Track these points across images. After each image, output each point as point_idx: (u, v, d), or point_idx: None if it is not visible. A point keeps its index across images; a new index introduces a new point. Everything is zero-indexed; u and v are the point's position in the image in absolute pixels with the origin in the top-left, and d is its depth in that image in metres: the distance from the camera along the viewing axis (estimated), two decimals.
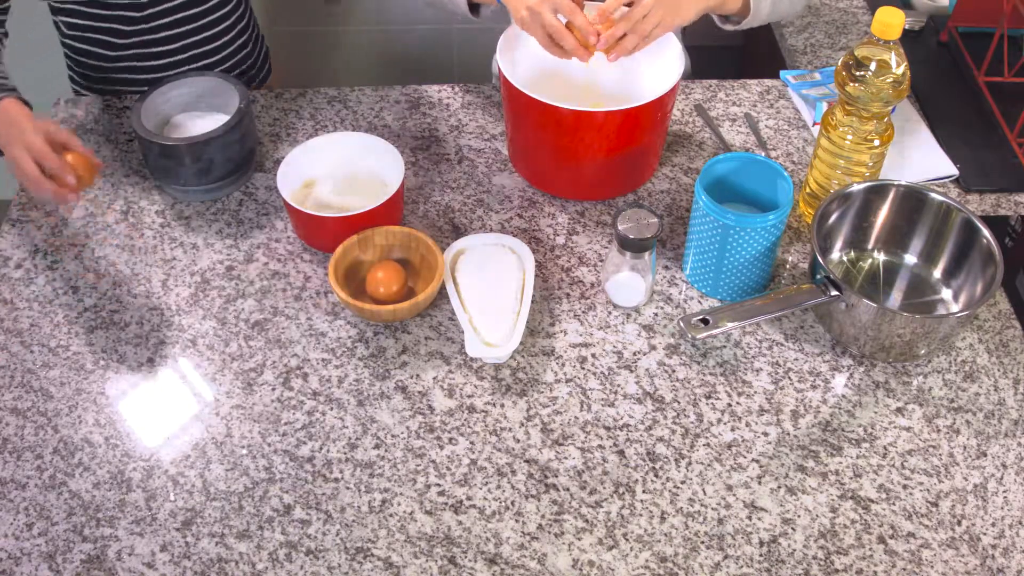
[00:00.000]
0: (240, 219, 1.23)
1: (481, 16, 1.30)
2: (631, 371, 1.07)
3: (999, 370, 1.08)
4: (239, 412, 1.03)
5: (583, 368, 1.07)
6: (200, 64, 1.40)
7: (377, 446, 1.01)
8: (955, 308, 1.11)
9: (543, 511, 0.96)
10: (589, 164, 1.20)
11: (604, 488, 0.98)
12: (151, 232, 1.21)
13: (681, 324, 1.04)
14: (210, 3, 1.36)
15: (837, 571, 0.92)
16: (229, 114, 1.23)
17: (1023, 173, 1.29)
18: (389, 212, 1.15)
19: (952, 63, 1.47)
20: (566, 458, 1.00)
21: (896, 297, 1.13)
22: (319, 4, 2.20)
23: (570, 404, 1.04)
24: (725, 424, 1.02)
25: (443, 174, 1.28)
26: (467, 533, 0.94)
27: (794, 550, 0.93)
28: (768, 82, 1.43)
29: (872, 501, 0.97)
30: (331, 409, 1.04)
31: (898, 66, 1.06)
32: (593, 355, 1.08)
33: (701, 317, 1.03)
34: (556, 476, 0.98)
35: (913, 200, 1.13)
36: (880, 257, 1.17)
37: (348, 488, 0.97)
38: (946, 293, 1.13)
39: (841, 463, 1.00)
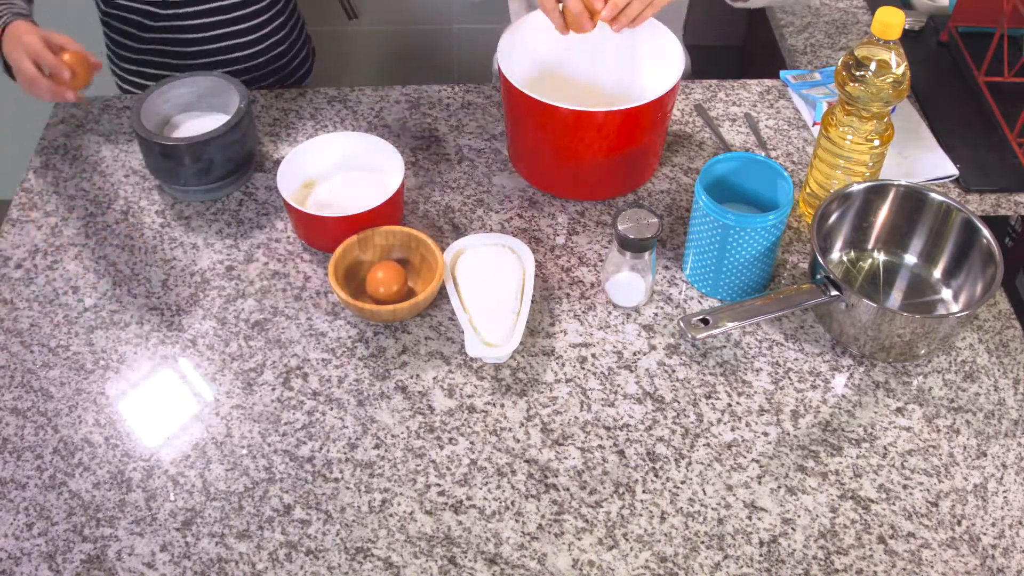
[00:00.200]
0: (240, 219, 1.23)
1: None
2: (631, 371, 1.07)
3: (999, 370, 1.08)
4: (239, 412, 1.03)
5: (583, 368, 1.07)
6: (232, 56, 1.42)
7: (377, 446, 1.01)
8: (955, 308, 1.11)
9: (543, 511, 0.96)
10: (589, 164, 1.20)
11: (604, 488, 0.98)
12: (151, 232, 1.21)
13: (681, 324, 1.04)
14: None
15: (837, 571, 0.92)
16: (229, 114, 1.23)
17: (1023, 173, 1.29)
18: (389, 212, 1.15)
19: (952, 63, 1.47)
20: (566, 458, 1.00)
21: (896, 297, 1.13)
22: (319, 4, 2.20)
23: (570, 404, 1.04)
24: (725, 424, 1.02)
25: (443, 174, 1.28)
26: (467, 533, 0.94)
27: (794, 550, 0.93)
28: (768, 82, 1.43)
29: (872, 501, 0.97)
30: (331, 409, 1.04)
31: (898, 66, 1.06)
32: (593, 355, 1.08)
33: (701, 317, 1.03)
34: (556, 476, 0.98)
35: (913, 200, 1.13)
36: (880, 257, 1.17)
37: (348, 488, 0.97)
38: (946, 293, 1.13)
39: (841, 463, 1.00)
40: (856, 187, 1.12)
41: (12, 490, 0.97)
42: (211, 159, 1.19)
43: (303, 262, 1.18)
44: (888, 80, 1.06)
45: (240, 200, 1.25)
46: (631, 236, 1.05)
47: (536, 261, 1.18)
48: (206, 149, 1.18)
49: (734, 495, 0.97)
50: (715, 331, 1.03)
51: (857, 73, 1.07)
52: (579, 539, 0.94)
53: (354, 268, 1.13)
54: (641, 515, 0.96)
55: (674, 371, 1.07)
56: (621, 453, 1.00)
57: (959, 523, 0.96)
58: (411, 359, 1.08)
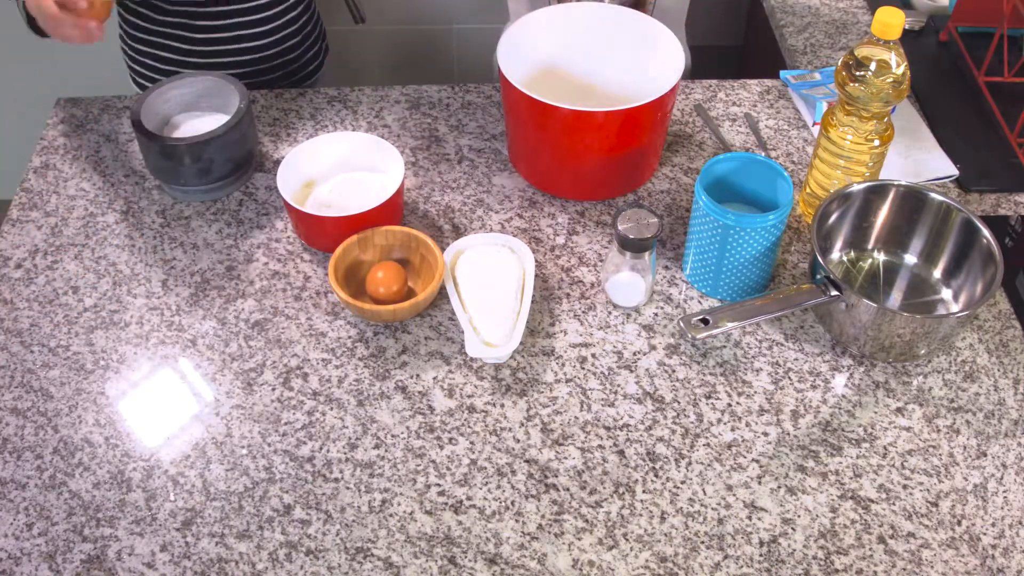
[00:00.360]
0: (240, 219, 1.23)
1: None
2: (631, 371, 1.07)
3: (999, 370, 1.08)
4: (239, 412, 1.03)
5: (583, 368, 1.07)
6: (246, 45, 1.43)
7: (377, 446, 1.01)
8: (955, 308, 1.11)
9: (543, 511, 0.96)
10: (589, 164, 1.20)
11: (604, 488, 0.98)
12: (151, 232, 1.21)
13: (681, 324, 1.04)
14: None
15: (837, 571, 0.92)
16: (229, 114, 1.23)
17: (1023, 173, 1.29)
18: (389, 212, 1.15)
19: (952, 63, 1.47)
20: (566, 458, 1.00)
21: (896, 297, 1.13)
22: (322, 4, 2.20)
23: (570, 404, 1.04)
24: (725, 424, 1.02)
25: (443, 174, 1.28)
26: (467, 533, 0.94)
27: (794, 550, 0.93)
28: (768, 82, 1.43)
29: (872, 501, 0.97)
30: (331, 409, 1.04)
31: (898, 66, 1.06)
32: (593, 355, 1.08)
33: (701, 317, 1.03)
34: (556, 476, 0.98)
35: (913, 200, 1.13)
36: (880, 257, 1.17)
37: (348, 488, 0.97)
38: (946, 293, 1.13)
39: (841, 463, 1.00)
40: (856, 187, 1.12)
41: (12, 490, 0.97)
42: (211, 159, 1.19)
43: (303, 262, 1.18)
44: (888, 80, 1.06)
45: (240, 200, 1.25)
46: (631, 236, 1.05)
47: (536, 261, 1.18)
48: (206, 149, 1.18)
49: (734, 495, 0.97)
50: (715, 331, 1.03)
51: (857, 73, 1.07)
52: (579, 539, 0.94)
53: (354, 268, 1.13)
54: (641, 515, 0.96)
55: (674, 371, 1.07)
56: (621, 453, 1.00)
57: (959, 523, 0.96)
58: (411, 359, 1.08)
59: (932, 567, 0.93)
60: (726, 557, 0.93)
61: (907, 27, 1.52)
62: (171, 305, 1.13)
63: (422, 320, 1.11)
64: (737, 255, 1.08)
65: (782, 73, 1.43)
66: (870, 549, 0.94)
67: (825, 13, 1.59)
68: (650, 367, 1.07)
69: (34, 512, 0.96)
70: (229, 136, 1.19)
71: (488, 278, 1.12)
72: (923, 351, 1.06)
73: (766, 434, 1.02)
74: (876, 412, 1.04)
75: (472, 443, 1.01)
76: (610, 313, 1.12)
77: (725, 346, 1.09)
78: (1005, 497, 0.98)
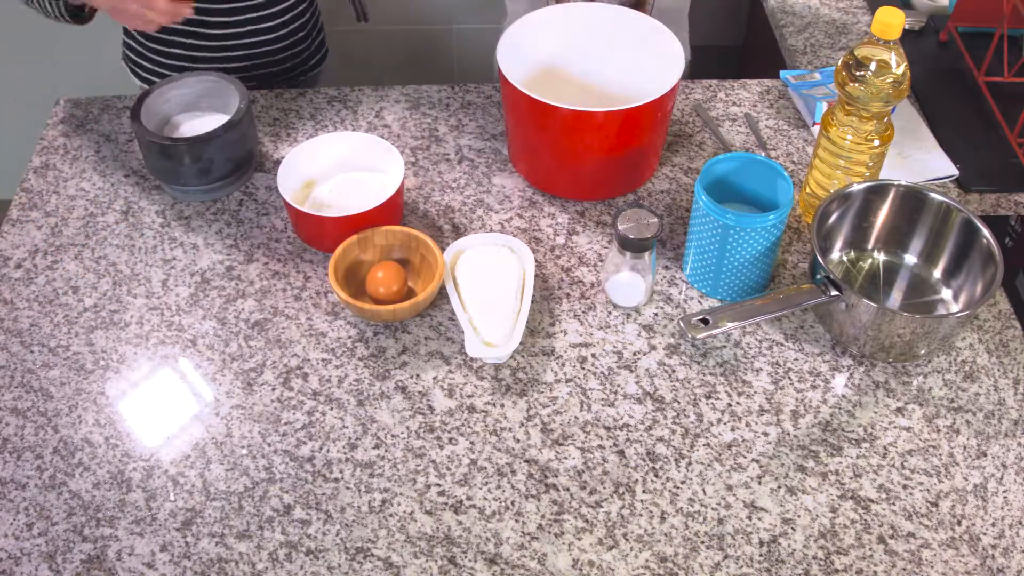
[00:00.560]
0: (240, 219, 1.23)
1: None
2: (631, 371, 1.07)
3: (999, 370, 1.08)
4: (239, 412, 1.03)
5: (583, 368, 1.07)
6: (255, 39, 1.43)
7: (377, 446, 1.01)
8: (955, 308, 1.11)
9: (543, 511, 0.96)
10: (589, 164, 1.20)
11: (604, 488, 0.98)
12: (151, 232, 1.21)
13: (681, 324, 1.04)
14: None
15: (837, 571, 0.92)
16: (229, 114, 1.23)
17: (1023, 173, 1.29)
18: (389, 212, 1.15)
19: (952, 63, 1.47)
20: (566, 458, 1.00)
21: (896, 297, 1.13)
22: (323, 3, 2.20)
23: (570, 404, 1.04)
24: (725, 424, 1.02)
25: (443, 174, 1.28)
26: (467, 533, 0.94)
27: (794, 550, 0.93)
28: (768, 82, 1.43)
29: (872, 501, 0.97)
30: (331, 409, 1.04)
31: (898, 66, 1.06)
32: (593, 355, 1.08)
33: (701, 317, 1.03)
34: (556, 476, 0.98)
35: (913, 200, 1.13)
36: (880, 257, 1.17)
37: (348, 488, 0.97)
38: (946, 293, 1.13)
39: (841, 463, 1.00)
40: (856, 187, 1.12)
41: (12, 490, 0.97)
42: (211, 159, 1.19)
43: (303, 262, 1.18)
44: (888, 80, 1.06)
45: (240, 200, 1.25)
46: (631, 236, 1.05)
47: (536, 261, 1.18)
48: (206, 149, 1.18)
49: (734, 495, 0.97)
50: (715, 331, 1.03)
51: (857, 73, 1.07)
52: (579, 539, 0.94)
53: (354, 268, 1.13)
54: (641, 515, 0.96)
55: (674, 371, 1.07)
56: (621, 453, 1.00)
57: (959, 523, 0.96)
58: (411, 359, 1.08)
59: (932, 567, 0.93)
60: (726, 557, 0.93)
61: (907, 27, 1.52)
62: (171, 305, 1.13)
63: (422, 320, 1.11)
64: (737, 255, 1.08)
65: (782, 73, 1.43)
66: (870, 549, 0.94)
67: (825, 13, 1.59)
68: (650, 367, 1.07)
69: (34, 512, 0.96)
70: (229, 136, 1.19)
71: (488, 278, 1.12)
72: (923, 351, 1.06)
73: (766, 434, 1.02)
74: (876, 412, 1.04)
75: (472, 443, 1.01)
76: (610, 313, 1.12)
77: (725, 346, 1.09)
78: (1005, 497, 0.98)
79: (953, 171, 1.28)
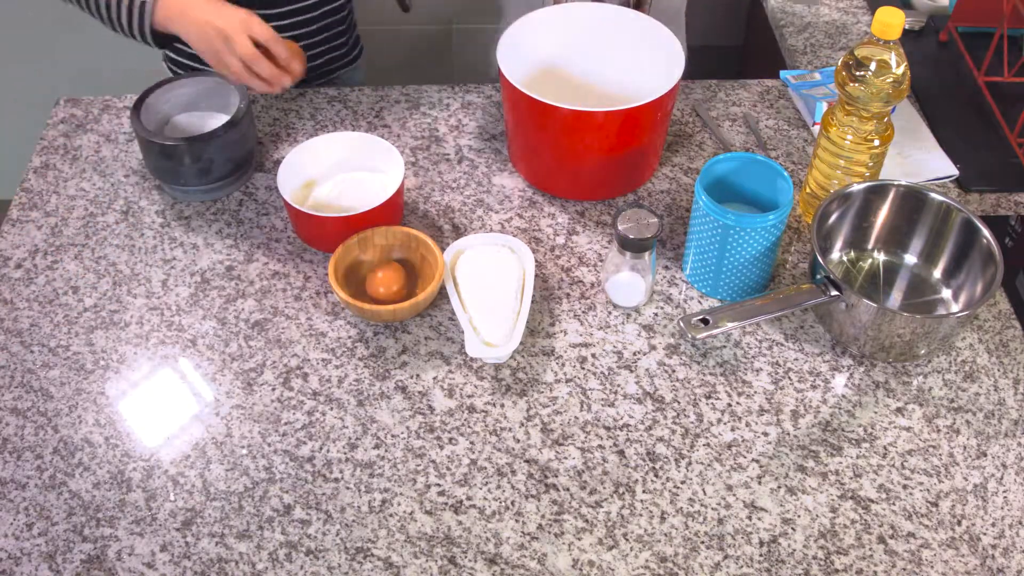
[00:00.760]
0: (240, 219, 1.23)
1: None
2: (631, 371, 1.07)
3: (999, 370, 1.08)
4: (239, 412, 1.03)
5: (583, 368, 1.07)
6: (302, 31, 1.42)
7: (377, 446, 1.01)
8: (955, 308, 1.11)
9: (543, 511, 0.96)
10: (589, 164, 1.20)
11: (604, 488, 0.98)
12: (151, 232, 1.21)
13: (681, 324, 1.04)
14: None
15: (837, 571, 0.92)
16: (229, 114, 1.23)
17: (1023, 173, 1.29)
18: (389, 212, 1.15)
19: (952, 63, 1.47)
20: (566, 458, 1.00)
21: (896, 297, 1.13)
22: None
23: (570, 404, 1.04)
24: (725, 424, 1.02)
25: (443, 174, 1.28)
26: (467, 533, 0.94)
27: (794, 550, 0.93)
28: (768, 82, 1.43)
29: (872, 501, 0.97)
30: (331, 409, 1.04)
31: (898, 66, 1.06)
32: (593, 355, 1.08)
33: (701, 317, 1.03)
34: (556, 476, 0.98)
35: (913, 200, 1.13)
36: (880, 257, 1.17)
37: (348, 488, 0.97)
38: (946, 293, 1.13)
39: (841, 463, 1.00)
40: (856, 187, 1.12)
41: (12, 490, 0.97)
42: (211, 159, 1.19)
43: (303, 262, 1.18)
44: (888, 80, 1.06)
45: (240, 200, 1.25)
46: (631, 236, 1.05)
47: (536, 261, 1.18)
48: (206, 149, 1.18)
49: (734, 495, 0.97)
50: (715, 331, 1.03)
51: (857, 73, 1.07)
52: (579, 539, 0.94)
53: (354, 268, 1.13)
54: (641, 515, 0.96)
55: (674, 371, 1.07)
56: (621, 453, 1.00)
57: (959, 523, 0.96)
58: (411, 359, 1.08)
59: (932, 567, 0.93)
60: (726, 557, 0.93)
61: (907, 27, 1.52)
62: (171, 305, 1.13)
63: (422, 320, 1.11)
64: (737, 255, 1.08)
65: (782, 73, 1.43)
66: (870, 549, 0.94)
67: (825, 13, 1.59)
68: (650, 367, 1.07)
69: (34, 512, 0.96)
70: (229, 136, 1.19)
71: (488, 278, 1.12)
72: (923, 351, 1.06)
73: (766, 434, 1.02)
74: (876, 412, 1.04)
75: (472, 443, 1.01)
76: (610, 313, 1.12)
77: (725, 346, 1.09)
78: (1005, 497, 0.98)
79: (953, 171, 1.28)
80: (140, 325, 1.11)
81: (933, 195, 1.11)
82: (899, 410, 1.04)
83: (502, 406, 1.04)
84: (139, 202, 1.25)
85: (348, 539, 0.94)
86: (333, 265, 1.09)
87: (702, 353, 1.09)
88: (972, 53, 1.44)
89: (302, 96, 1.39)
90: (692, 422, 1.03)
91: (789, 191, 1.08)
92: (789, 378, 1.06)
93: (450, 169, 1.29)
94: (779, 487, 0.98)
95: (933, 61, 1.48)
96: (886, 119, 1.12)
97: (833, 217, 1.13)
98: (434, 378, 1.06)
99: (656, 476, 0.98)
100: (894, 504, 0.97)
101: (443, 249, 1.17)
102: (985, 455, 1.01)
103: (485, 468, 0.99)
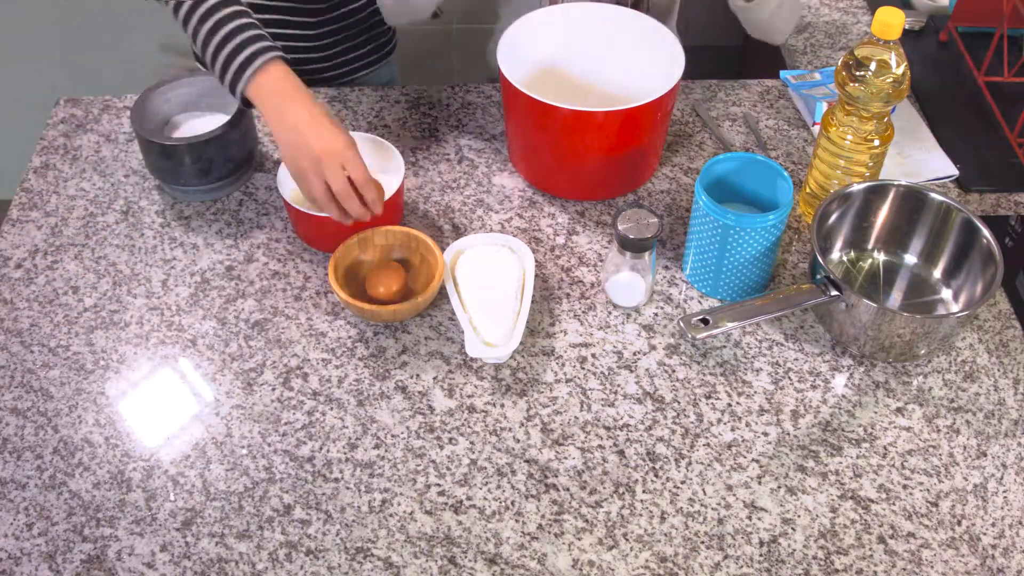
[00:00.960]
0: (240, 219, 1.23)
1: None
2: (631, 371, 1.07)
3: (999, 370, 1.08)
4: (239, 412, 1.03)
5: (583, 368, 1.07)
6: (343, 35, 1.44)
7: (377, 446, 1.01)
8: (955, 308, 1.11)
9: (543, 511, 0.96)
10: (589, 164, 1.20)
11: (604, 488, 0.98)
12: (151, 232, 1.21)
13: (681, 324, 1.04)
14: None
15: (837, 571, 0.92)
16: (229, 114, 1.23)
17: (1023, 173, 1.29)
18: (389, 212, 1.15)
19: (952, 63, 1.47)
20: (566, 458, 1.00)
21: (896, 297, 1.13)
22: None
23: (570, 404, 1.04)
24: (725, 424, 1.02)
25: (443, 174, 1.28)
26: (467, 533, 0.94)
27: (794, 550, 0.93)
28: (768, 82, 1.43)
29: (872, 501, 0.97)
30: (331, 409, 1.04)
31: (898, 66, 1.06)
32: (593, 355, 1.08)
33: (701, 317, 1.03)
34: (556, 476, 0.98)
35: (913, 200, 1.13)
36: (880, 257, 1.17)
37: (348, 488, 0.97)
38: (946, 293, 1.13)
39: (841, 463, 1.00)
40: (856, 187, 1.12)
41: (12, 490, 0.97)
42: (211, 159, 1.19)
43: (303, 262, 1.18)
44: (888, 80, 1.06)
45: (240, 200, 1.25)
46: (631, 236, 1.05)
47: (536, 261, 1.18)
48: (206, 149, 1.18)
49: (734, 495, 0.97)
50: (715, 331, 1.03)
51: (857, 73, 1.07)
52: (579, 539, 0.94)
53: (354, 268, 1.13)
54: (641, 515, 0.96)
55: (674, 371, 1.07)
56: (621, 453, 1.00)
57: (959, 523, 0.96)
58: (411, 359, 1.08)
59: (932, 567, 0.93)
60: (726, 557, 0.93)
61: (907, 27, 1.52)
62: (171, 305, 1.13)
63: (422, 320, 1.11)
64: (737, 255, 1.08)
65: (782, 73, 1.43)
66: (870, 549, 0.94)
67: (825, 13, 1.59)
68: (650, 367, 1.07)
69: (34, 512, 0.96)
70: (229, 136, 1.19)
71: (488, 278, 1.12)
72: (923, 351, 1.06)
73: (766, 434, 1.02)
74: (876, 412, 1.04)
75: (472, 443, 1.01)
76: (610, 313, 1.12)
77: (725, 346, 1.09)
78: (1005, 497, 0.98)
79: (953, 171, 1.28)
80: (140, 325, 1.11)
81: (933, 195, 1.11)
82: (899, 410, 1.04)
83: (502, 406, 1.04)
84: (139, 202, 1.25)
85: (348, 539, 0.94)
86: (333, 265, 1.09)
87: (702, 353, 1.09)
88: (972, 53, 1.44)
89: None
90: (692, 422, 1.03)
91: (789, 191, 1.08)
92: (789, 378, 1.06)
93: (450, 169, 1.29)
94: (779, 487, 0.98)
95: (933, 61, 1.48)
96: (886, 119, 1.12)
97: (833, 217, 1.13)
98: (434, 378, 1.06)
99: (656, 476, 0.98)
100: (894, 504, 0.97)
101: (443, 249, 1.17)
102: (985, 455, 1.01)
103: (485, 468, 0.99)
